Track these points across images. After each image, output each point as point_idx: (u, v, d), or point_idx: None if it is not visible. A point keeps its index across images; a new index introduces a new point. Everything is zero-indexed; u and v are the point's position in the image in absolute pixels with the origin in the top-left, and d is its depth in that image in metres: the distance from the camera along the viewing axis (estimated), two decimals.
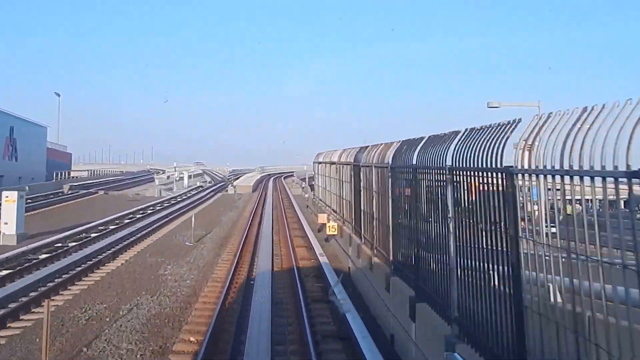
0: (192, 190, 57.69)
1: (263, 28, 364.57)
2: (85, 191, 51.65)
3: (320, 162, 25.63)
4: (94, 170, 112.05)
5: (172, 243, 20.68)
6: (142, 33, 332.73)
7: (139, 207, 35.23)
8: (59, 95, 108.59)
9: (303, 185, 51.28)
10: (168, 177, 78.56)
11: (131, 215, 30.38)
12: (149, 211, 33.16)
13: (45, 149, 71.68)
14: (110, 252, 18.34)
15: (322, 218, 21.53)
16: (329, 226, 18.13)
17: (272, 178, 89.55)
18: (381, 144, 11.55)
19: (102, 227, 25.06)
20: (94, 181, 67.53)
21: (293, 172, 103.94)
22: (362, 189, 13.19)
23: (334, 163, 20.06)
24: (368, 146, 13.50)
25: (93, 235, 22.26)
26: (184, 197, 47.47)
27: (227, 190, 55.26)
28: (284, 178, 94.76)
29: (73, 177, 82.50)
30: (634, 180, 3.40)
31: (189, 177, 76.43)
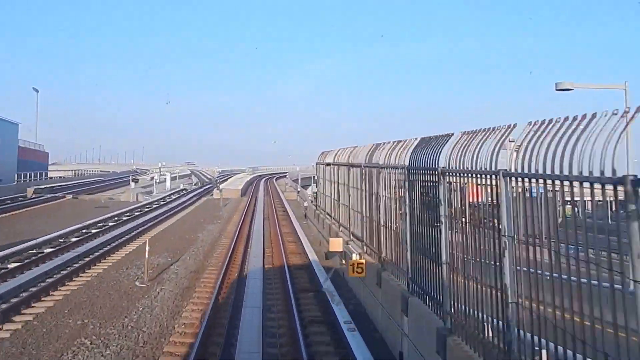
0: (174, 193, 51.04)
1: (263, 28, 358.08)
2: (51, 195, 44.94)
3: (327, 164, 19.17)
4: (79, 171, 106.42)
5: (117, 282, 14.16)
6: (142, 33, 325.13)
7: (104, 217, 28.71)
8: (37, 91, 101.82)
9: (299, 190, 44.69)
10: (152, 179, 71.86)
11: (85, 230, 23.83)
12: (111, 223, 26.56)
13: (17, 147, 64.91)
14: (12, 303, 11.79)
15: (335, 244, 15.10)
16: (354, 262, 11.69)
17: (263, 179, 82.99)
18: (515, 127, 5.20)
19: (34, 250, 18.57)
20: (66, 183, 60.60)
21: (286, 173, 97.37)
22: (444, 218, 6.78)
23: (355, 166, 13.62)
24: (446, 135, 7.13)
25: (12, 266, 15.74)
26: (162, 202, 40.89)
27: (212, 194, 48.67)
28: (276, 179, 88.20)
29: (51, 177, 76.35)
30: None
31: (174, 178, 69.81)
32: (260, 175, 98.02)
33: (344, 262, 14.28)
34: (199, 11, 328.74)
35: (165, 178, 59.98)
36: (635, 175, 3.45)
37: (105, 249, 19.43)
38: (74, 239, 21.31)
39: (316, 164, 22.49)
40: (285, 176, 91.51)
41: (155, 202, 40.21)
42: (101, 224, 26.26)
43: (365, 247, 12.36)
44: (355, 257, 12.38)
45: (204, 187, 62.31)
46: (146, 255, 14.37)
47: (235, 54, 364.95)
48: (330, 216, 18.12)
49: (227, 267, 15.52)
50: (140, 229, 24.77)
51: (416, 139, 9.13)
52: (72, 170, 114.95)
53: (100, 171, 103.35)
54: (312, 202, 32.37)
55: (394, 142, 10.57)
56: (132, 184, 44.85)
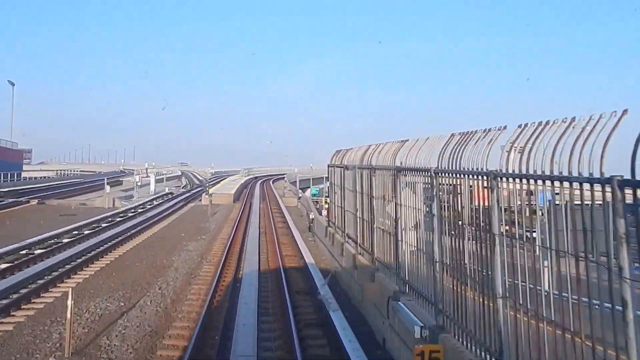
0: (157, 198, 45.51)
1: (262, 28, 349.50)
2: (13, 200, 39.32)
3: (349, 168, 13.74)
4: (62, 171, 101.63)
5: (21, 358, 8.71)
6: (139, 32, 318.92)
7: (62, 230, 23.41)
8: (12, 84, 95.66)
9: (299, 195, 39.08)
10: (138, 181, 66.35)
11: (26, 251, 18.39)
12: (66, 240, 21.10)
13: None
14: None
15: (371, 291, 9.82)
16: (424, 350, 6.32)
17: (259, 182, 77.43)
18: None
19: None
20: (37, 186, 54.92)
21: (284, 174, 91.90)
22: None
23: (413, 171, 8.21)
24: None
25: None
26: (141, 209, 35.43)
27: (200, 200, 43.23)
28: (273, 182, 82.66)
29: (33, 178, 72.13)
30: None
31: (160, 180, 64.29)
32: (256, 177, 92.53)
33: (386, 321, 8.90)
34: (198, 10, 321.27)
35: (149, 180, 54.34)
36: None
37: (40, 283, 13.97)
38: (3, 265, 15.86)
39: (329, 166, 17.02)
40: (283, 178, 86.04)
41: (133, 210, 34.69)
42: (52, 241, 20.79)
43: (441, 317, 6.94)
44: (418, 332, 7.04)
45: (193, 191, 56.75)
46: (68, 315, 8.84)
47: (234, 53, 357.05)
48: (356, 242, 12.68)
49: (203, 322, 10.11)
50: (99, 249, 19.29)
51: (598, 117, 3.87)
52: (55, 171, 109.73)
53: (80, 171, 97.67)
54: (326, 219, 26.96)
55: (524, 125, 5.19)
56: (107, 188, 39.19)
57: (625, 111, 3.61)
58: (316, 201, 43.23)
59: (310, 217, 23.45)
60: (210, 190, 48.39)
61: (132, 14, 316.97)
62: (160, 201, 42.78)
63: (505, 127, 5.67)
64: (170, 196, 48.84)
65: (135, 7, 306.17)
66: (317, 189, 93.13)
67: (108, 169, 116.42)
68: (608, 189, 3.60)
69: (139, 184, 48.44)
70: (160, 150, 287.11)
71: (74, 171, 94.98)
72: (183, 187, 63.72)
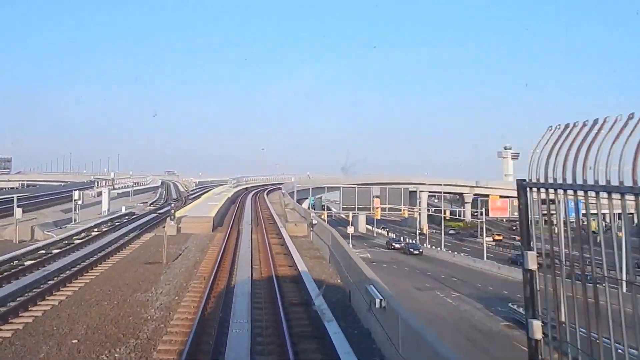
0: (105, 223, 31.66)
1: (262, 29, 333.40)
2: None
3: None
4: (26, 182, 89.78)
5: None
6: (130, 35, 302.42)
7: None
8: None
9: (314, 222, 25.41)
10: (98, 195, 52.47)
11: None
12: None
13: None
14: None
15: None
16: None
17: (250, 195, 63.56)
18: None
19: None
20: None
21: (281, 184, 78.38)
22: None
23: None
24: None
25: None
26: (61, 248, 21.72)
27: (165, 226, 29.47)
28: (268, 193, 68.87)
29: None
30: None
31: (124, 194, 50.64)
32: (247, 188, 78.74)
33: None
34: (197, 12, 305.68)
35: (104, 195, 40.45)
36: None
37: None
38: None
39: (522, 185, 3.54)
40: (279, 189, 72.42)
41: (43, 250, 20.90)
42: None
43: None
44: None
45: (163, 210, 42.69)
46: None
47: (227, 56, 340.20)
48: None
49: None
50: None
51: None
52: (20, 182, 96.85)
53: (30, 182, 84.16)
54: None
55: None
56: (18, 212, 25.51)
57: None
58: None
59: (379, 305, 9.70)
60: (184, 211, 34.64)
61: (123, 16, 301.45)
62: (106, 228, 28.95)
63: None
64: (126, 219, 35.07)
65: (125, 9, 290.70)
66: (313, 199, 79.81)
67: (84, 178, 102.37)
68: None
69: (79, 202, 34.44)
70: (148, 158, 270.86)
71: (26, 182, 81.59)
72: (151, 204, 49.52)
